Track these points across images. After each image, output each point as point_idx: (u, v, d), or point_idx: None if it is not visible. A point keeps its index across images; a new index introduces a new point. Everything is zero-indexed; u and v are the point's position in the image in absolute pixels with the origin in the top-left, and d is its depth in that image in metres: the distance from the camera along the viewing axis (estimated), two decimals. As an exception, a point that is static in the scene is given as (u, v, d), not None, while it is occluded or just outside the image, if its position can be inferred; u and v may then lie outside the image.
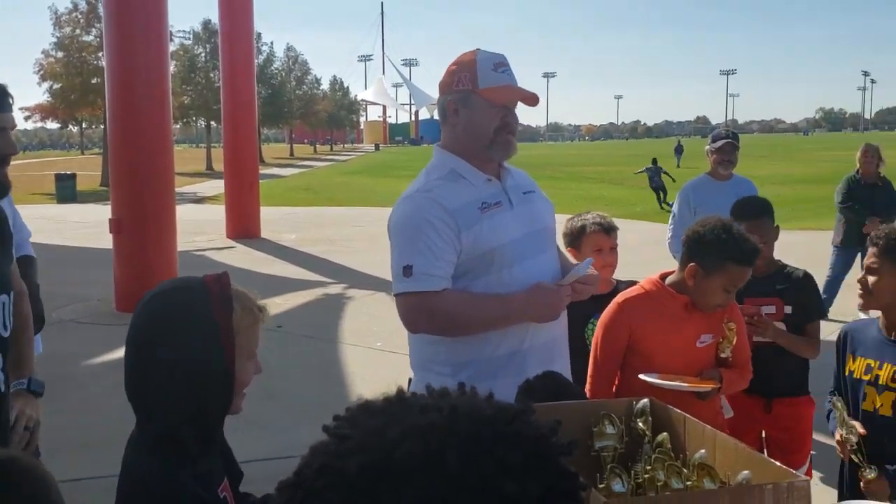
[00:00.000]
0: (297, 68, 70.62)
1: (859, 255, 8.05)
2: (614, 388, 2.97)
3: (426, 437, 0.84)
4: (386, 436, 0.85)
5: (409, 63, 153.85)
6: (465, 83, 2.63)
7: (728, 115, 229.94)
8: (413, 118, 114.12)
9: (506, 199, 2.69)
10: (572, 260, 2.97)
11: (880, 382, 2.75)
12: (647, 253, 9.98)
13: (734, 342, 2.97)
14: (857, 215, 8.10)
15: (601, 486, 1.63)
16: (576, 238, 3.59)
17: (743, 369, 3.04)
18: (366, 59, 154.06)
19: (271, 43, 73.96)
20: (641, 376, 2.72)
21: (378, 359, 7.36)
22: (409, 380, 2.86)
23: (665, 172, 23.86)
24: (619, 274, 3.66)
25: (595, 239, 3.53)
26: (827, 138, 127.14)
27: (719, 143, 5.86)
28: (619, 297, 3.03)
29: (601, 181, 34.63)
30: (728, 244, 2.80)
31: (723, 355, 2.96)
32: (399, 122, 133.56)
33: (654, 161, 24.22)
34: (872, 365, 2.80)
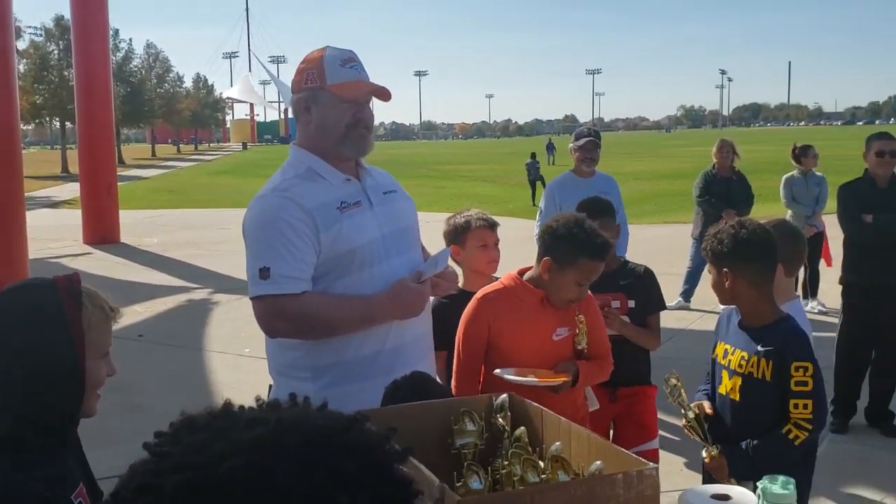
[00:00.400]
0: (157, 66, 68.66)
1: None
2: (480, 385, 2.98)
3: (252, 451, 0.79)
4: (208, 451, 0.79)
5: (277, 60, 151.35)
6: (313, 80, 2.59)
7: (595, 113, 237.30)
8: (282, 116, 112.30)
9: (365, 198, 2.65)
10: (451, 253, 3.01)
11: (731, 367, 2.88)
12: (522, 249, 10.15)
13: (587, 334, 3.02)
14: (714, 208, 8.45)
15: (458, 484, 1.62)
16: (459, 234, 3.62)
17: (602, 360, 3.09)
18: (231, 56, 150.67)
19: (130, 40, 71.41)
20: (496, 372, 2.77)
21: (247, 365, 7.14)
22: (270, 387, 2.79)
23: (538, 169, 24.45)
24: (498, 270, 3.69)
25: (480, 234, 3.57)
26: (688, 135, 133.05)
27: (581, 141, 6.02)
28: (479, 293, 3.07)
29: (475, 179, 35.09)
30: (580, 238, 2.86)
31: (579, 347, 3.01)
32: (268, 120, 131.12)
33: (533, 155, 24.72)
34: (728, 350, 2.92)
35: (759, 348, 2.79)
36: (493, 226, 3.65)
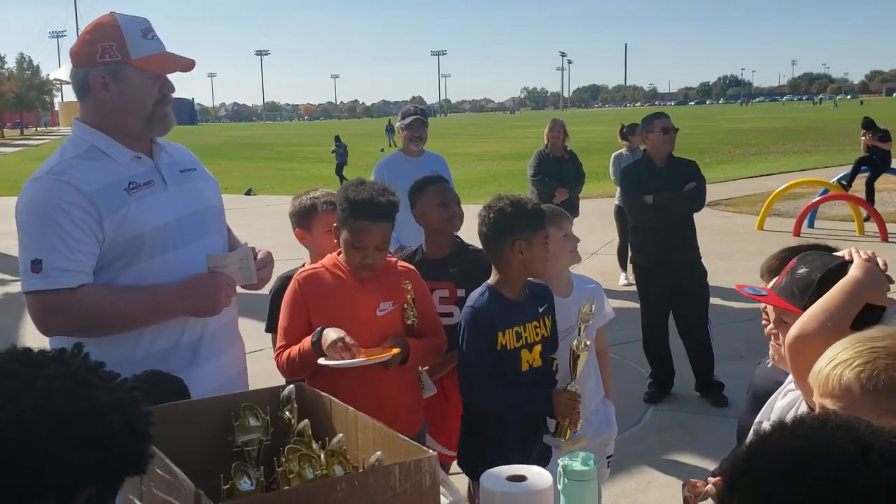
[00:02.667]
0: (-18, 45, 63.72)
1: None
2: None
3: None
4: None
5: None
6: (113, 54, 2.34)
7: (441, 94, 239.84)
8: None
9: (158, 177, 2.45)
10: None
11: (529, 341, 2.92)
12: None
13: (413, 306, 2.93)
14: (547, 187, 8.60)
15: (226, 486, 1.49)
16: (306, 217, 3.44)
17: (434, 337, 3.00)
18: (58, 35, 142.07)
19: (-59, 19, 65.96)
20: (320, 362, 2.63)
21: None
22: None
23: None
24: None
25: (327, 219, 3.32)
26: (531, 116, 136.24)
27: (408, 119, 5.95)
28: (298, 275, 2.96)
29: (320, 161, 34.58)
30: (344, 199, 2.84)
31: (408, 322, 2.91)
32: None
33: (337, 138, 24.39)
34: (521, 332, 2.92)
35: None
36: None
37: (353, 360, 2.63)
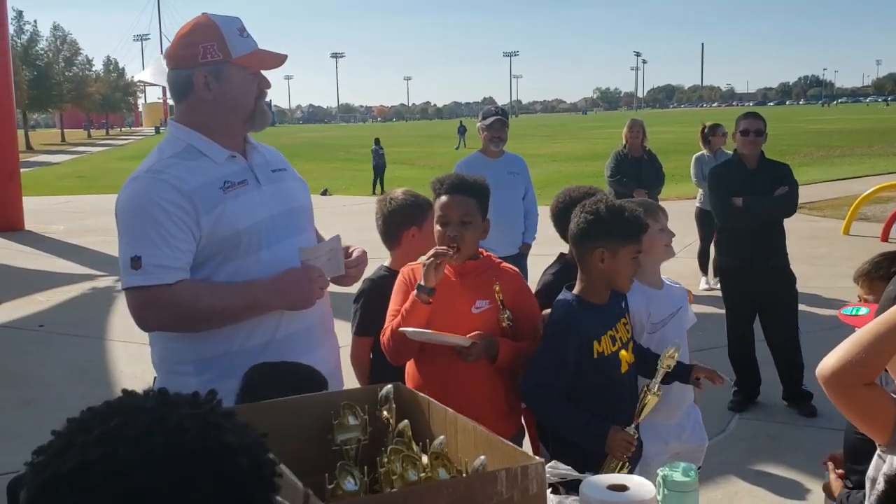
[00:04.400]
0: (65, 48, 66.12)
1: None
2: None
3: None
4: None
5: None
6: (214, 53, 2.38)
7: (512, 95, 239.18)
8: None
9: (252, 177, 2.48)
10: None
11: (624, 340, 2.87)
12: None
13: (513, 311, 2.85)
14: (625, 188, 8.47)
15: (331, 486, 1.49)
16: (423, 213, 3.43)
17: (531, 340, 2.88)
18: (142, 38, 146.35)
19: (34, 22, 68.71)
20: (402, 329, 2.65)
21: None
22: (154, 379, 2.60)
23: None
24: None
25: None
26: (604, 117, 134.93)
27: (489, 120, 5.92)
28: (406, 266, 2.97)
29: (394, 162, 34.83)
30: (433, 184, 2.89)
31: (503, 325, 2.84)
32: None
33: (377, 141, 24.34)
34: (615, 335, 2.84)
35: None
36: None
37: (430, 332, 2.66)
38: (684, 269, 9.60)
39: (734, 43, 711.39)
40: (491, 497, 1.32)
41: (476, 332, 2.75)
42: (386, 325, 2.87)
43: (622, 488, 1.72)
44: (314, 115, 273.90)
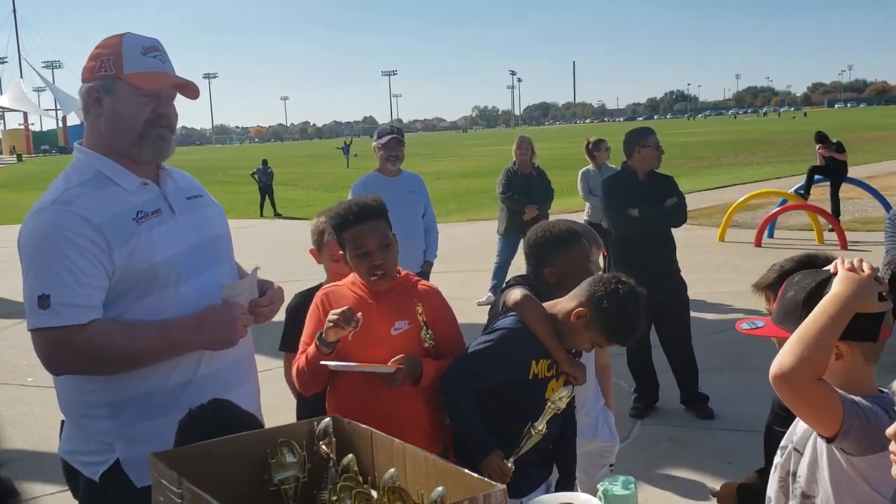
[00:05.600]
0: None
1: (522, 241, 8.62)
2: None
3: None
4: None
5: (52, 65, 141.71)
6: (108, 68, 2.26)
7: (393, 114, 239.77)
8: (61, 124, 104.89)
9: (166, 206, 2.34)
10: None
11: (559, 370, 2.89)
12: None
13: (436, 330, 2.84)
14: (517, 204, 8.61)
15: (282, 531, 1.41)
16: (318, 240, 3.47)
17: (453, 357, 2.87)
18: (0, 61, 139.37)
19: None
20: (323, 363, 2.61)
21: (31, 397, 6.49)
22: (62, 423, 2.42)
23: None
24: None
25: (332, 247, 3.24)
26: (484, 134, 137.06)
27: (385, 139, 5.89)
28: (320, 290, 2.93)
29: (279, 183, 34.25)
30: (332, 218, 2.85)
31: (425, 345, 2.82)
32: (45, 129, 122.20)
33: (265, 162, 24.09)
34: (553, 362, 2.87)
35: None
36: None
37: (354, 364, 2.62)
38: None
39: (604, 61, 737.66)
40: (455, 529, 1.27)
41: (400, 357, 2.71)
42: (298, 355, 2.82)
43: (570, 508, 1.70)
44: (188, 137, 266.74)
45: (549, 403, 2.61)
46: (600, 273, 2.99)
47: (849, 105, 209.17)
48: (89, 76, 2.30)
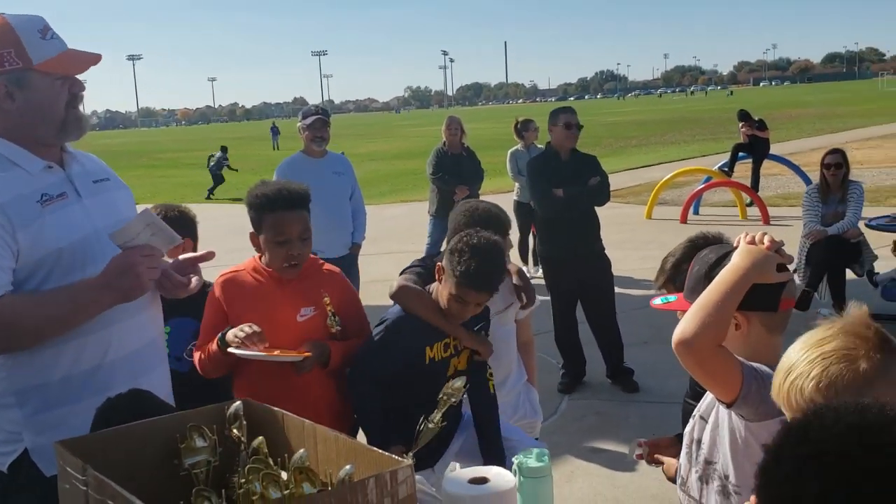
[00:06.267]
0: None
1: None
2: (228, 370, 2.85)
3: None
4: None
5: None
6: (13, 61, 2.15)
7: (324, 95, 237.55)
8: None
9: (72, 189, 2.28)
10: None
11: (459, 349, 2.93)
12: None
13: (341, 313, 2.88)
14: (447, 184, 8.59)
15: (188, 514, 1.40)
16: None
17: (359, 338, 2.92)
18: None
19: None
20: (231, 349, 2.60)
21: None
22: None
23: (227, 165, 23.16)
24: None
25: None
26: (417, 115, 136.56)
27: (310, 119, 5.83)
28: (218, 277, 2.89)
29: (201, 167, 33.73)
30: (255, 198, 2.80)
31: (332, 331, 2.85)
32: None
33: (224, 149, 23.68)
34: (450, 342, 2.91)
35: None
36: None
37: (260, 353, 2.61)
38: (511, 258, 9.89)
39: (536, 41, 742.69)
40: (363, 506, 1.27)
41: (307, 344, 2.74)
42: (200, 342, 2.82)
43: (483, 481, 1.73)
44: (112, 120, 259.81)
45: (443, 396, 2.65)
46: None
47: (773, 83, 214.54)
48: None
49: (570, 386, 5.86)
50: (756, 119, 14.68)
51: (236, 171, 22.43)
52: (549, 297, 6.00)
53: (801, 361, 1.51)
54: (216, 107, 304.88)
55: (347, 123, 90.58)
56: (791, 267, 1.99)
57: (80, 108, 2.30)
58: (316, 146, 5.84)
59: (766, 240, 1.90)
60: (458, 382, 2.61)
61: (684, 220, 12.78)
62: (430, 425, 2.50)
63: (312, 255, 2.92)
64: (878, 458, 0.99)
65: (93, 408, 1.91)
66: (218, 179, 22.13)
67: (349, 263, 5.72)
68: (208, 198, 20.86)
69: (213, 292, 2.81)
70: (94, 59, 2.31)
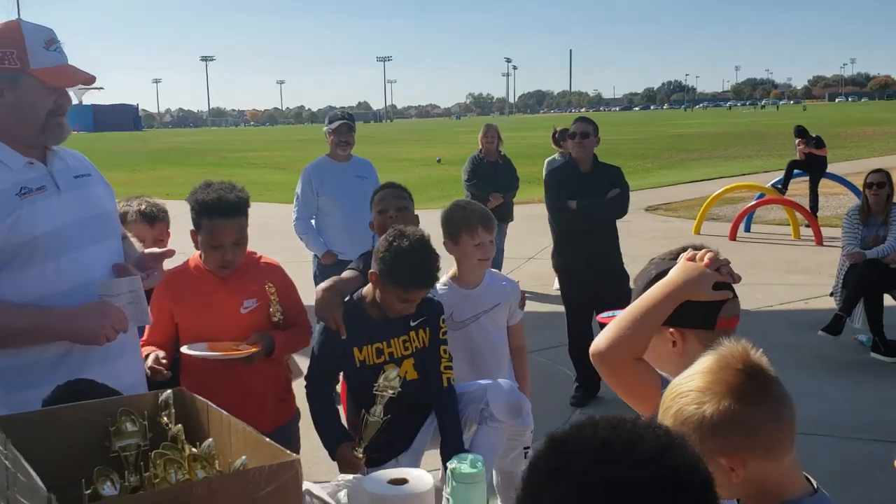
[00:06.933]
0: None
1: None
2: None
3: None
4: None
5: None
6: (12, 61, 2.33)
7: (388, 100, 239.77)
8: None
9: (52, 183, 2.44)
10: (138, 247, 2.77)
11: (396, 356, 3.01)
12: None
13: (280, 302, 3.04)
14: (481, 191, 8.64)
15: (88, 491, 1.49)
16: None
17: (298, 326, 3.13)
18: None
19: None
20: (183, 349, 2.79)
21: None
22: None
23: None
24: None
25: (135, 228, 3.32)
26: (477, 122, 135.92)
27: (335, 124, 5.95)
28: (165, 274, 2.99)
29: (264, 166, 34.35)
30: (194, 202, 2.97)
31: (274, 320, 3.01)
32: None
33: None
34: (382, 348, 2.99)
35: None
36: (151, 219, 3.50)
37: (207, 353, 2.79)
38: (541, 269, 9.89)
39: (602, 49, 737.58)
40: (245, 494, 1.35)
41: (253, 337, 2.90)
42: (143, 340, 2.95)
43: (402, 482, 1.78)
44: (184, 119, 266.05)
45: (378, 391, 2.71)
46: None
47: (850, 99, 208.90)
48: None
49: (583, 400, 5.84)
50: (813, 136, 14.37)
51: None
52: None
53: (669, 393, 1.52)
54: (283, 109, 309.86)
55: (408, 128, 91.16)
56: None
57: (62, 118, 2.45)
58: (341, 150, 5.96)
59: (707, 257, 1.88)
60: (392, 374, 2.69)
61: (733, 237, 12.55)
62: (372, 419, 2.59)
63: (250, 252, 3.08)
64: (617, 472, 1.01)
65: None
66: None
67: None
68: None
69: (158, 287, 2.90)
70: (87, 78, 2.47)
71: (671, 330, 1.86)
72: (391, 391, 2.68)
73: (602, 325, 1.94)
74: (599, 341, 1.80)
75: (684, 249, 2.50)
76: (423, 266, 2.87)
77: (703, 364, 1.51)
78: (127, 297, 2.38)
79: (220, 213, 2.89)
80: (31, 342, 2.32)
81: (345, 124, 5.92)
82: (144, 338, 2.97)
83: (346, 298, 3.04)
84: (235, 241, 2.90)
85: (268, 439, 1.52)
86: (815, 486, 1.58)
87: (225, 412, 1.66)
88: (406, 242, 2.88)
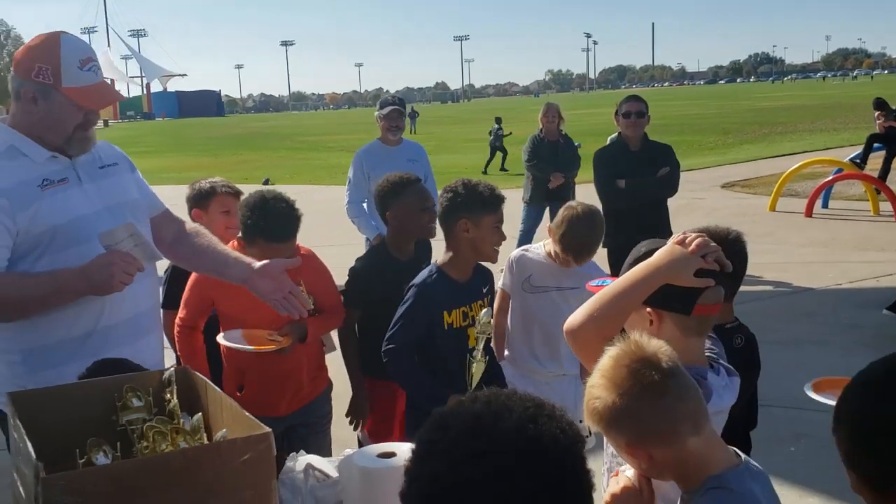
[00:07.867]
0: (9, 43, 65.62)
1: (548, 208, 8.62)
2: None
3: None
4: None
5: (137, 34, 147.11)
6: (46, 76, 2.47)
7: (465, 80, 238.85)
8: (145, 91, 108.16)
9: (74, 175, 2.58)
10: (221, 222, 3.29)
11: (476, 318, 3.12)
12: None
13: (315, 289, 3.17)
14: (542, 171, 8.59)
15: (81, 460, 1.62)
16: (202, 199, 3.76)
17: (331, 311, 3.33)
18: (89, 31, 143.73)
19: (-23, 18, 68.25)
20: (219, 338, 2.91)
21: None
22: None
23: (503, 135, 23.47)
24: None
25: (223, 201, 3.73)
26: (557, 99, 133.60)
27: (386, 109, 6.05)
28: None
29: (342, 150, 34.76)
30: (256, 219, 3.12)
31: (307, 307, 3.09)
32: (130, 96, 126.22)
33: (498, 120, 24.04)
34: (467, 311, 3.09)
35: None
36: (237, 194, 3.77)
37: (250, 347, 2.98)
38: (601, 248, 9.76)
39: (684, 22, 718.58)
40: (220, 463, 1.46)
41: (285, 328, 3.08)
42: (181, 318, 3.21)
43: (391, 455, 1.86)
44: (266, 103, 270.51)
45: (477, 333, 2.83)
46: None
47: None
48: (25, 75, 2.50)
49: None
50: (893, 108, 13.84)
51: (510, 134, 23.05)
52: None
53: (593, 375, 1.58)
54: (362, 91, 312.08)
55: (486, 108, 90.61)
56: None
57: (88, 131, 2.58)
58: (391, 135, 6.07)
59: (696, 243, 1.84)
60: (485, 318, 2.83)
61: (809, 213, 12.20)
62: (476, 362, 2.69)
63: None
64: (484, 443, 1.08)
65: (83, 369, 2.18)
66: (495, 152, 22.63)
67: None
68: (484, 172, 20.99)
69: (198, 280, 3.13)
70: (110, 100, 2.67)
71: (649, 309, 1.87)
72: (487, 333, 2.81)
73: (591, 294, 1.94)
74: (573, 318, 1.82)
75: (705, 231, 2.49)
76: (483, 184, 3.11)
77: (601, 361, 1.57)
78: (130, 242, 2.50)
79: (280, 237, 3.11)
80: (57, 304, 2.44)
81: (395, 110, 6.02)
82: (181, 315, 3.20)
83: (427, 268, 3.16)
84: (287, 256, 3.02)
85: (247, 413, 1.62)
86: (743, 458, 1.62)
87: (219, 389, 1.77)
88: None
